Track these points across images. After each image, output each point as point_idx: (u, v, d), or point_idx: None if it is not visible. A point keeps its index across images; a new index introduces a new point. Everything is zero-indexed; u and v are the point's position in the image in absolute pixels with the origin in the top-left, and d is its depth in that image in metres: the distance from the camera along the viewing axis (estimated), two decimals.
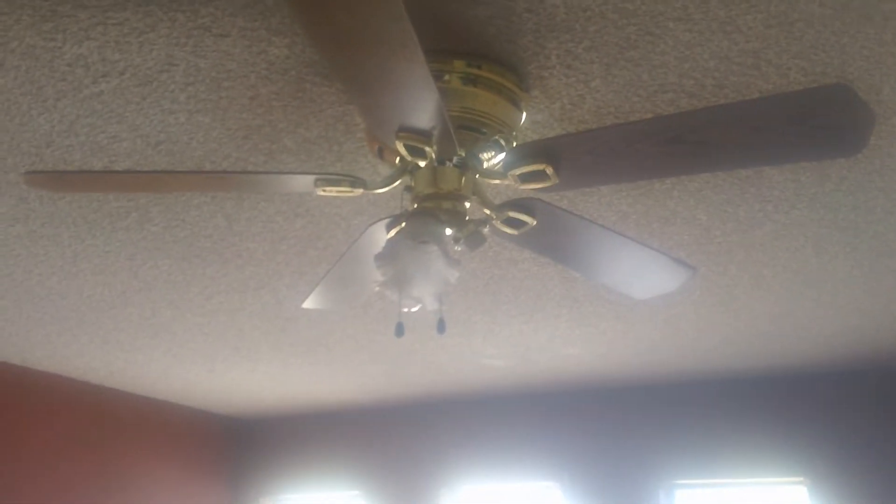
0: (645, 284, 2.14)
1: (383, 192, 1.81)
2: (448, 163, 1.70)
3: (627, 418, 4.40)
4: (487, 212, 1.80)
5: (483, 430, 4.69)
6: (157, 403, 4.80)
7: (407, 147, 1.58)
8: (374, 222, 1.90)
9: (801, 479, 4.01)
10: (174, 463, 4.89)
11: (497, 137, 1.74)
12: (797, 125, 1.40)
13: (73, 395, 4.35)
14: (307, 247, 2.66)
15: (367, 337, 3.59)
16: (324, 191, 1.75)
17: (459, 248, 1.78)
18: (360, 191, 1.76)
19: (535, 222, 1.82)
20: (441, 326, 1.75)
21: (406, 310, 1.71)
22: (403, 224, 1.73)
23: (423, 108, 1.46)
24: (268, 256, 2.74)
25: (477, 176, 1.75)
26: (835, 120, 1.38)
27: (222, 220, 2.48)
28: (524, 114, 1.84)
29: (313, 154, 2.09)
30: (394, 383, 4.41)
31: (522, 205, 1.79)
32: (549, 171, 1.63)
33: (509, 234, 1.87)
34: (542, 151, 1.61)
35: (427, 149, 1.58)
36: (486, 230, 1.78)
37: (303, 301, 2.37)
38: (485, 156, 1.74)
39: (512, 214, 1.80)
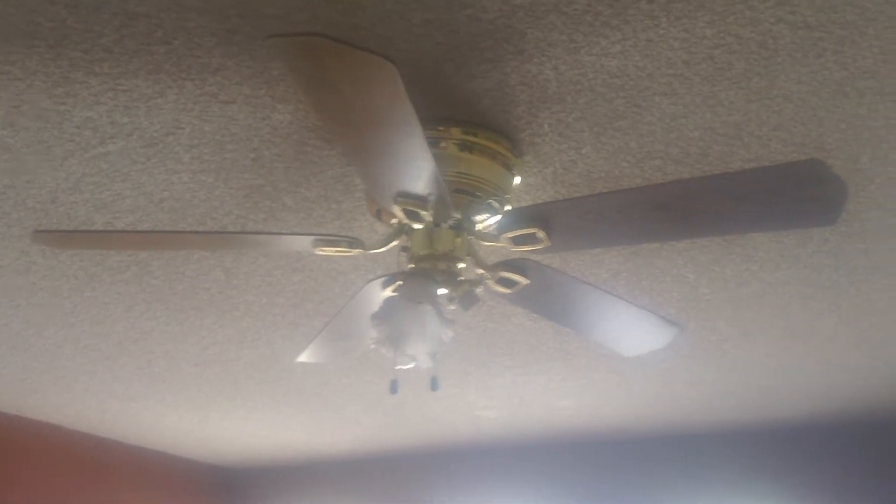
0: (634, 341, 2.19)
1: (380, 252, 1.87)
2: (443, 225, 1.77)
3: (621, 470, 4.40)
4: (481, 272, 1.86)
5: (476, 480, 4.68)
6: (148, 453, 4.78)
7: (404, 211, 1.64)
8: (371, 280, 1.95)
9: None
10: None
11: (491, 200, 1.80)
12: (775, 197, 1.47)
13: (65, 443, 4.33)
14: (304, 300, 2.70)
15: (362, 388, 3.61)
16: (322, 251, 1.81)
17: (453, 308, 1.83)
18: (357, 251, 1.82)
19: (527, 282, 1.88)
20: (434, 384, 1.80)
21: (401, 367, 1.76)
22: (399, 283, 1.79)
23: (420, 176, 1.53)
24: (265, 309, 2.78)
25: (471, 237, 1.81)
26: (809, 193, 1.45)
27: (221, 274, 2.53)
28: (517, 177, 1.90)
29: (312, 213, 2.15)
30: (388, 434, 4.41)
31: (515, 265, 1.85)
32: (541, 234, 1.69)
33: (502, 293, 1.92)
34: (534, 216, 1.68)
35: (423, 213, 1.65)
36: (479, 290, 1.84)
37: (298, 353, 2.41)
38: (479, 218, 1.81)
39: (505, 274, 1.86)
